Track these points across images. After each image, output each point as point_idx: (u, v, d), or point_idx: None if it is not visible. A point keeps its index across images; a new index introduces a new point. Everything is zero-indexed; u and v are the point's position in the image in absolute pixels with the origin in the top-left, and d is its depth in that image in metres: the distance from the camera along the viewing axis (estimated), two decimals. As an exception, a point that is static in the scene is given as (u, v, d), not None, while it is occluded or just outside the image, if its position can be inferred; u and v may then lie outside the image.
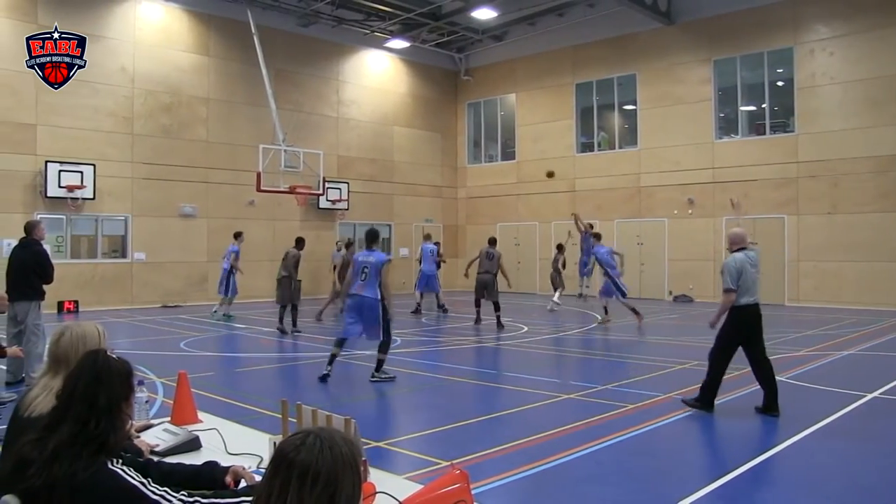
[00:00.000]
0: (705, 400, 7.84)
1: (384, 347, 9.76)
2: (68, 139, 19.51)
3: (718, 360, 7.94)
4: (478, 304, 16.65)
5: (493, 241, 17.16)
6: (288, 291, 15.11)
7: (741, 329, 7.93)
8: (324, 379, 9.56)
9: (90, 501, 2.27)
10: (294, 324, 15.01)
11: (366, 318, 9.64)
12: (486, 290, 16.36)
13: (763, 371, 7.90)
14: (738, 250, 8.04)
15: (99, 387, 2.44)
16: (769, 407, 7.70)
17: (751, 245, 8.13)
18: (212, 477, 2.75)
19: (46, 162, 18.94)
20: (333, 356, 9.83)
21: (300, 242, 15.80)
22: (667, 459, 6.35)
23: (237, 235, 18.51)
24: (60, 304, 18.75)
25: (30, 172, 18.99)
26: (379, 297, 9.58)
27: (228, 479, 2.76)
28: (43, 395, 2.77)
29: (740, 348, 7.99)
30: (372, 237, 10.03)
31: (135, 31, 21.00)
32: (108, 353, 2.58)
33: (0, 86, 18.33)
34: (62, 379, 2.78)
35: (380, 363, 9.75)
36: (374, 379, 9.65)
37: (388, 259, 9.85)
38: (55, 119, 19.37)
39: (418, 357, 12.11)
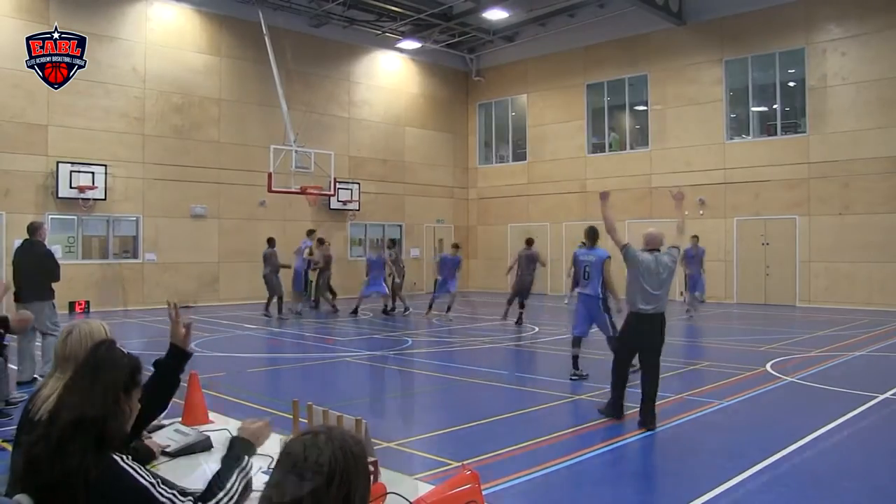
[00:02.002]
0: (613, 406, 7.56)
1: (612, 342, 9.65)
2: (80, 140, 19.60)
3: (616, 368, 7.67)
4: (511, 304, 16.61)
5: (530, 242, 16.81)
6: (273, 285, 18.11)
7: (632, 334, 7.55)
8: (581, 377, 9.80)
9: (102, 497, 2.27)
10: (280, 311, 18.12)
11: (594, 315, 9.87)
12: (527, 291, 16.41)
13: (645, 379, 7.52)
14: (648, 250, 7.58)
15: (96, 375, 2.43)
16: (643, 421, 7.23)
17: (670, 248, 7.63)
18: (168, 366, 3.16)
19: (58, 162, 19.03)
20: (576, 357, 10.00)
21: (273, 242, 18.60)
22: (679, 460, 6.33)
23: (312, 234, 19.59)
24: (72, 305, 18.83)
25: (41, 173, 19.09)
26: (600, 294, 9.77)
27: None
28: (54, 396, 2.76)
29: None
30: (593, 235, 10.07)
31: (146, 31, 21.08)
32: (114, 346, 2.58)
33: (12, 87, 18.43)
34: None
35: (575, 360, 9.91)
36: (574, 377, 9.80)
37: (609, 256, 9.80)
38: (67, 120, 19.47)
39: (429, 357, 12.11)
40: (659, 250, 7.59)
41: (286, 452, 1.81)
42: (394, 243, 21.46)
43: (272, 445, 3.52)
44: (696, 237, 18.60)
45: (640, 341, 7.53)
